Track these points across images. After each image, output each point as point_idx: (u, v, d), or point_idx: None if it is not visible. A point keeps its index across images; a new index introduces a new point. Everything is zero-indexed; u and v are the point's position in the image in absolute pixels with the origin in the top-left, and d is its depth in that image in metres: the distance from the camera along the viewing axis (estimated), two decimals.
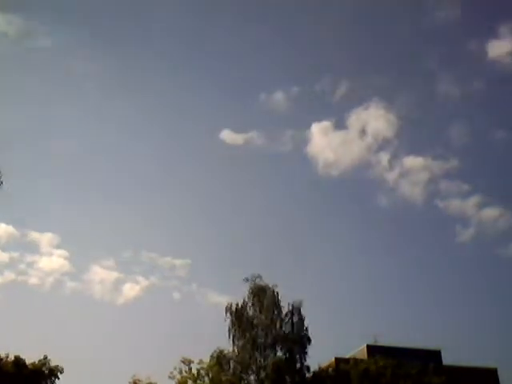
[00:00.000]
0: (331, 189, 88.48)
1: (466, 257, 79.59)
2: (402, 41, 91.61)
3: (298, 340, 37.39)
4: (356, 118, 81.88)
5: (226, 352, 37.11)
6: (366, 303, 77.89)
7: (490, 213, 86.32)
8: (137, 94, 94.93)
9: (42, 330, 60.68)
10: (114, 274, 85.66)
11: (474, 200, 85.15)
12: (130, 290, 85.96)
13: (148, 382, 35.92)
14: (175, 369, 35.91)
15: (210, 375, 35.54)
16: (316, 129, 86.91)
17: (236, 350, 37.33)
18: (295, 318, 38.16)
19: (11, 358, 34.72)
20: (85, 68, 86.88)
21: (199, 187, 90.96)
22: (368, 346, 47.04)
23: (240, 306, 38.67)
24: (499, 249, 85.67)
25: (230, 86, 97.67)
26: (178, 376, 35.74)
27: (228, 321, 38.14)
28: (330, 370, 39.19)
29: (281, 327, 37.86)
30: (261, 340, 37.48)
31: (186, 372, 35.94)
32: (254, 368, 36.74)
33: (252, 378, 36.75)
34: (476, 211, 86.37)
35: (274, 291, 38.68)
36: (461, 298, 74.11)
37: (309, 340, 37.67)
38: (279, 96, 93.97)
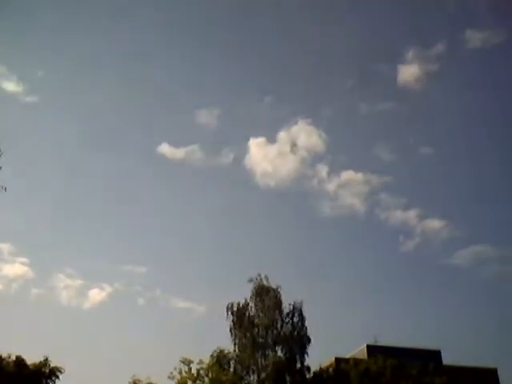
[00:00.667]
0: (274, 199, 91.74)
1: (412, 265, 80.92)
2: (320, 61, 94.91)
3: (299, 340, 37.46)
4: (288, 134, 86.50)
5: (226, 352, 37.22)
6: (366, 303, 78.09)
7: (432, 224, 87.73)
8: (73, 108, 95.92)
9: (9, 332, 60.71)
10: (78, 281, 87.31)
11: (413, 212, 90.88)
12: (96, 295, 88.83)
13: (148, 382, 35.92)
14: (175, 369, 35.93)
15: (210, 375, 35.54)
16: (253, 144, 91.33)
17: (237, 350, 37.44)
18: (296, 318, 38.26)
19: (12, 358, 34.80)
20: None
21: (147, 199, 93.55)
22: (368, 346, 47.18)
23: (241, 305, 38.78)
24: (444, 258, 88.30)
25: (166, 102, 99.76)
26: (178, 376, 35.72)
27: (229, 320, 38.31)
28: (331, 370, 39.27)
29: (281, 327, 37.95)
30: (261, 340, 37.57)
31: (185, 372, 35.91)
32: (254, 368, 36.81)
33: (252, 377, 36.82)
34: (418, 222, 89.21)
35: (276, 292, 38.78)
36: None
37: (309, 340, 37.76)
38: (208, 114, 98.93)
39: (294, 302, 38.59)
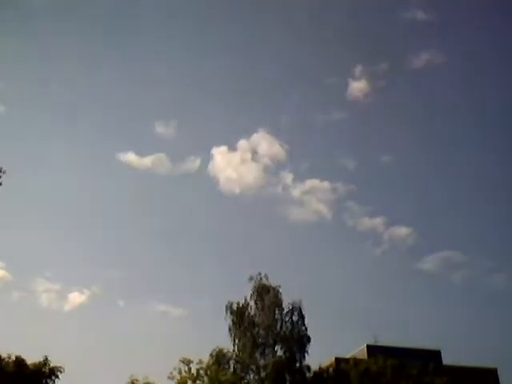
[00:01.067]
0: (239, 206, 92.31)
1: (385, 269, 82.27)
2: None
3: (299, 340, 37.46)
4: (248, 142, 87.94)
5: (225, 351, 37.22)
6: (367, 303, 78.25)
7: (399, 231, 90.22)
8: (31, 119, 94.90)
9: None
10: (58, 285, 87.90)
11: (380, 220, 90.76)
12: (76, 298, 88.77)
13: (146, 382, 35.91)
14: (175, 369, 35.93)
15: (210, 375, 35.51)
16: (216, 152, 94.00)
17: (236, 350, 37.45)
18: (295, 318, 38.26)
19: (12, 358, 34.78)
20: None
21: (120, 207, 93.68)
22: (368, 346, 47.23)
23: (241, 305, 38.79)
24: (414, 263, 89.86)
25: (126, 113, 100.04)
26: (178, 376, 35.71)
27: (228, 320, 38.33)
28: (331, 369, 39.29)
29: (281, 327, 37.94)
30: (261, 339, 37.58)
31: (185, 372, 35.91)
32: (254, 367, 36.83)
33: (252, 377, 36.84)
34: (385, 229, 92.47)
35: (277, 291, 38.78)
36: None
37: (309, 340, 37.75)
38: (166, 126, 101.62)
39: (294, 302, 38.66)
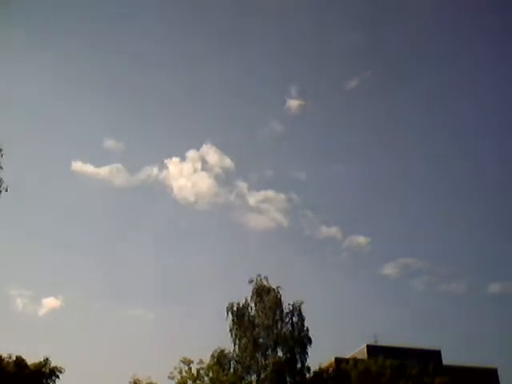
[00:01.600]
0: (196, 214, 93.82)
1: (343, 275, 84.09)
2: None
3: (299, 340, 37.45)
4: (199, 154, 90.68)
5: (226, 352, 37.25)
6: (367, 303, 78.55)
7: (357, 239, 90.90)
8: None
9: None
10: (31, 291, 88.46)
11: (336, 228, 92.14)
12: (51, 302, 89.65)
13: (148, 382, 35.96)
14: (175, 369, 35.96)
15: (210, 375, 35.56)
16: (168, 163, 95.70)
17: (237, 350, 37.47)
18: (296, 319, 38.25)
19: (13, 358, 34.83)
20: None
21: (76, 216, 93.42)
22: (368, 346, 47.22)
23: (242, 305, 38.82)
24: (375, 269, 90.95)
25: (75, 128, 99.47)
26: (178, 376, 35.74)
27: (229, 320, 38.35)
28: (331, 370, 39.30)
29: (282, 327, 37.95)
30: (262, 340, 37.60)
31: (185, 372, 35.93)
32: (254, 368, 36.84)
33: (253, 378, 36.83)
34: (343, 237, 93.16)
35: (277, 292, 38.82)
36: None
37: (309, 340, 37.73)
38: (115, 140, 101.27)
39: (294, 302, 38.65)
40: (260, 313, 38.37)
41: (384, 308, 75.49)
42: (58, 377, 35.68)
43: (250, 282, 39.32)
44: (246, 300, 39.00)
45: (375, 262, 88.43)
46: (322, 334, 41.14)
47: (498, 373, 49.48)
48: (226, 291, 70.87)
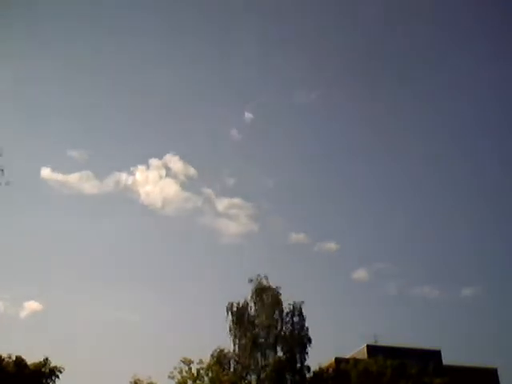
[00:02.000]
0: (167, 219, 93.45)
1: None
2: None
3: (299, 340, 37.47)
4: (162, 163, 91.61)
5: (226, 351, 37.24)
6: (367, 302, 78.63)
7: (327, 245, 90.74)
8: None
9: None
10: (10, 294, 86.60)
11: (304, 235, 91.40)
12: (32, 305, 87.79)
13: (149, 382, 35.96)
14: (175, 369, 35.96)
15: (210, 375, 35.56)
16: (136, 171, 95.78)
17: (237, 350, 37.45)
18: (296, 319, 38.27)
19: (12, 358, 34.85)
20: None
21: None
22: (368, 346, 47.16)
23: (241, 305, 38.80)
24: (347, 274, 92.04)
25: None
26: (178, 376, 35.73)
27: (229, 320, 38.33)
28: (331, 370, 39.31)
29: (281, 327, 37.95)
30: (262, 340, 37.59)
31: (185, 372, 35.92)
32: (254, 368, 36.83)
33: (252, 377, 36.84)
34: (312, 243, 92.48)
35: (276, 292, 38.81)
36: None
37: (309, 340, 37.75)
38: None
39: (294, 302, 38.67)
40: (260, 312, 38.38)
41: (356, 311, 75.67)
42: (57, 377, 35.72)
43: (250, 281, 39.37)
44: (246, 300, 39.07)
45: (347, 267, 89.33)
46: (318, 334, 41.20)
47: (498, 373, 49.47)
48: (204, 293, 74.13)
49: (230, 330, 37.99)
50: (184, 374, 35.45)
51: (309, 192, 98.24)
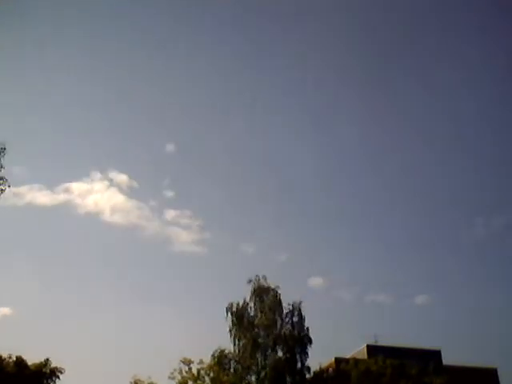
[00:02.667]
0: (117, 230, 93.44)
1: None
2: None
3: (299, 340, 37.49)
4: (105, 176, 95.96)
5: (226, 352, 37.26)
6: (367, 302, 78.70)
7: (279, 256, 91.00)
8: None
9: None
10: None
11: (253, 245, 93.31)
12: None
13: (149, 382, 35.98)
14: (175, 369, 35.97)
15: (211, 375, 35.59)
16: (77, 185, 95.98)
17: (237, 350, 37.47)
18: (295, 319, 38.29)
19: (13, 358, 34.86)
20: None
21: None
22: (368, 346, 47.21)
23: (241, 306, 38.81)
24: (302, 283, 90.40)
25: None
26: (179, 376, 35.75)
27: (229, 321, 38.37)
28: (331, 370, 39.35)
29: (281, 327, 37.97)
30: (262, 340, 37.61)
31: (186, 372, 35.94)
32: (254, 368, 36.85)
33: (253, 378, 36.87)
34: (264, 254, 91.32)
35: (276, 292, 38.84)
36: None
37: (309, 340, 37.77)
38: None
39: (294, 302, 38.69)
40: (259, 313, 38.41)
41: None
42: (58, 377, 35.74)
43: (249, 282, 39.37)
44: (245, 300, 39.07)
45: (300, 277, 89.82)
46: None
47: (498, 373, 49.50)
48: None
49: (230, 331, 38.06)
50: (184, 374, 35.52)
51: (252, 204, 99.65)
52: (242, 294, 39.40)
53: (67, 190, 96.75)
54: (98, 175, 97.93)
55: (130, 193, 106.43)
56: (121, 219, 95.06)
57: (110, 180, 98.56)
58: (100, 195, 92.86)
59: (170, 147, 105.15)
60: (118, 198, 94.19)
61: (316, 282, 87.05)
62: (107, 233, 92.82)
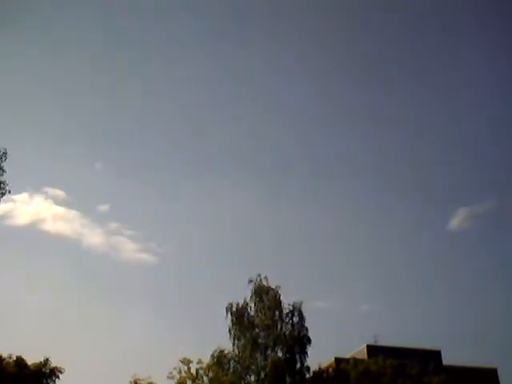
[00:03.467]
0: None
1: None
2: None
3: (299, 340, 37.48)
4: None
5: (226, 352, 37.27)
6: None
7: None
8: None
9: None
10: None
11: None
12: None
13: (149, 381, 35.99)
14: (174, 369, 36.00)
15: (210, 375, 35.60)
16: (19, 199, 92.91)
17: (236, 350, 37.48)
18: (296, 319, 38.29)
19: (13, 358, 34.85)
20: None
21: None
22: (368, 346, 47.16)
23: (241, 305, 38.82)
24: None
25: None
26: (177, 376, 35.77)
27: (229, 320, 38.38)
28: (330, 370, 39.33)
29: (281, 327, 37.97)
30: (261, 340, 37.61)
31: (185, 372, 35.96)
32: (254, 368, 36.85)
33: (252, 378, 36.89)
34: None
35: (276, 292, 38.84)
36: None
37: (309, 340, 37.77)
38: None
39: (294, 302, 38.68)
40: (259, 313, 38.40)
41: None
42: (58, 377, 35.73)
43: (250, 281, 39.37)
44: (245, 300, 39.08)
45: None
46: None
47: (498, 373, 49.46)
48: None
49: (230, 331, 38.04)
50: (183, 374, 35.54)
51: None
52: (242, 294, 39.56)
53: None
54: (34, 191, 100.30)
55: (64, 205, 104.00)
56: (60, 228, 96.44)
57: (47, 194, 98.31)
58: (38, 207, 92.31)
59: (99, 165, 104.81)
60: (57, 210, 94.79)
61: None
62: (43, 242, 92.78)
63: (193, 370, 35.77)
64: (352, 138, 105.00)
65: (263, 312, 38.21)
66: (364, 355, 45.23)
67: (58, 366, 35.71)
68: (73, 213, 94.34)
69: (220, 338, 38.80)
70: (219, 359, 36.63)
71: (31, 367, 35.10)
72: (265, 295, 38.81)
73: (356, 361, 38.34)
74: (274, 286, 39.12)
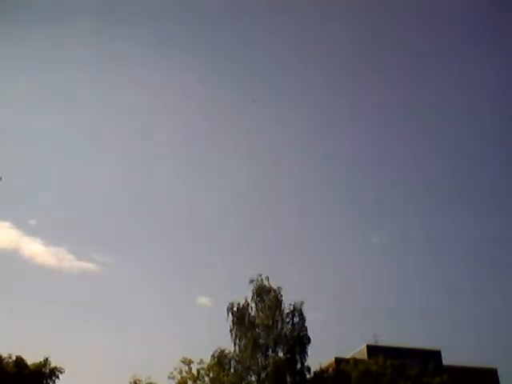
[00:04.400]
0: None
1: None
2: None
3: (299, 340, 37.47)
4: None
5: (226, 352, 37.25)
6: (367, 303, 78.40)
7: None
8: None
9: None
10: None
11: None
12: None
13: (148, 381, 35.99)
14: (175, 369, 35.99)
15: (211, 375, 35.60)
16: None
17: (237, 350, 37.45)
18: (296, 319, 38.27)
19: (12, 358, 34.82)
20: None
21: None
22: (368, 346, 47.09)
23: (242, 306, 38.79)
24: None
25: None
26: (178, 376, 35.77)
27: (229, 321, 38.34)
28: (331, 370, 39.33)
29: (282, 327, 37.94)
30: (262, 340, 37.58)
31: (186, 372, 35.96)
32: (255, 368, 36.82)
33: (253, 378, 36.84)
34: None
35: (277, 292, 38.82)
36: None
37: (309, 340, 37.75)
38: None
39: (295, 303, 38.65)
40: (260, 313, 38.39)
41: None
42: (57, 377, 35.71)
43: (251, 282, 39.33)
44: (246, 300, 39.06)
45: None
46: None
47: (498, 373, 49.42)
48: None
49: (230, 331, 38.02)
50: (184, 374, 35.54)
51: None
52: (243, 294, 39.55)
53: None
54: None
55: None
56: None
57: None
58: None
59: None
60: None
61: (204, 301, 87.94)
62: None
63: (193, 371, 35.85)
64: None
65: (264, 312, 38.20)
66: (364, 355, 45.18)
67: (58, 365, 35.84)
68: None
69: None
70: (220, 359, 36.62)
71: (31, 367, 35.09)
72: (266, 295, 38.80)
73: (356, 361, 38.34)
74: (274, 286, 39.14)
